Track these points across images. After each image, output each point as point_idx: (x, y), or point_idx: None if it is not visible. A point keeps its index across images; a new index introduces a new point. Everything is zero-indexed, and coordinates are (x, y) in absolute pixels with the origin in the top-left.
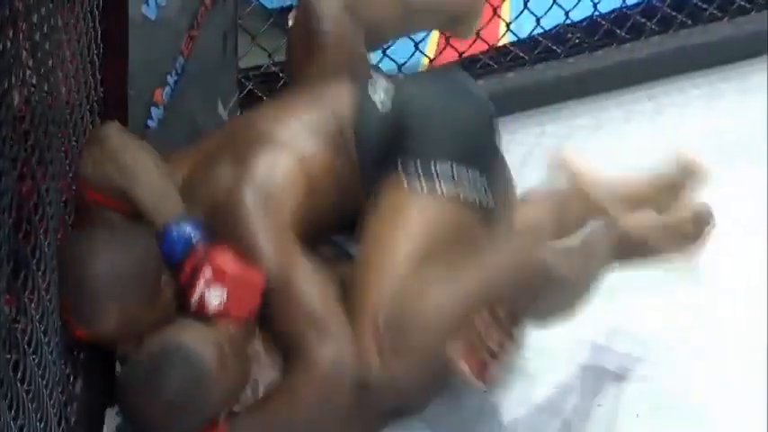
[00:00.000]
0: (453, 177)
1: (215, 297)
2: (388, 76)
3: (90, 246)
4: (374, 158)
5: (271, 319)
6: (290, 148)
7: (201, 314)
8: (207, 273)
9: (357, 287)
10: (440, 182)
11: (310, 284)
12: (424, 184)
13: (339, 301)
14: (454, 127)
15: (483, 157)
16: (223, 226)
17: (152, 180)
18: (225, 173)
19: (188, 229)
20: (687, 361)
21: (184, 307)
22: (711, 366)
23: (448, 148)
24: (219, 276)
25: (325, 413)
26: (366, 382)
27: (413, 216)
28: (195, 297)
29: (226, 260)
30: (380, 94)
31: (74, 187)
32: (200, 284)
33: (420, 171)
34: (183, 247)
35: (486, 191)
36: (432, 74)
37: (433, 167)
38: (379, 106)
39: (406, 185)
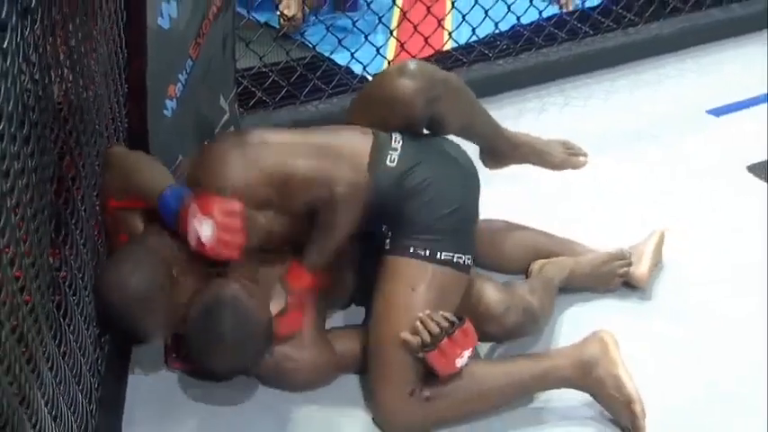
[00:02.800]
0: (453, 260)
1: (207, 228)
2: (402, 136)
3: (115, 285)
4: (381, 197)
5: (292, 198)
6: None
7: (202, 251)
8: (194, 210)
9: (384, 348)
10: (441, 257)
11: (283, 152)
12: (428, 261)
13: None
14: (453, 211)
15: (471, 234)
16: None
17: (149, 170)
18: None
19: (179, 191)
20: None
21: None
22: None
23: (449, 235)
24: (205, 210)
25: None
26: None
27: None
28: (191, 235)
29: (208, 198)
30: (394, 152)
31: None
32: (192, 222)
33: (426, 253)
34: (175, 203)
35: (470, 260)
36: (433, 141)
37: (439, 253)
38: (389, 161)
39: (412, 262)
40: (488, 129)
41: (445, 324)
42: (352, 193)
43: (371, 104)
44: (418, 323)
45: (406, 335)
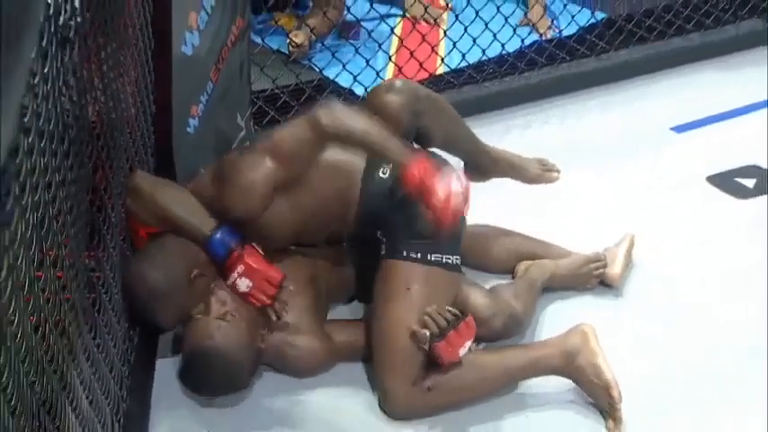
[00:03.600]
0: (443, 261)
1: (243, 285)
2: None
3: (138, 279)
4: (372, 205)
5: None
6: None
7: (235, 293)
8: (240, 268)
9: (387, 344)
10: (432, 259)
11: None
12: (421, 262)
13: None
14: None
15: (457, 237)
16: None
17: (186, 207)
18: None
19: (225, 236)
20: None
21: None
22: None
23: (436, 242)
24: (249, 272)
25: None
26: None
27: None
28: (230, 281)
29: (255, 261)
30: (386, 165)
31: (127, 224)
32: (234, 275)
33: (418, 256)
34: (224, 249)
35: (458, 260)
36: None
37: (429, 255)
38: (381, 173)
39: (406, 265)
40: (470, 143)
41: (451, 317)
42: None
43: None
44: (427, 317)
45: (416, 327)
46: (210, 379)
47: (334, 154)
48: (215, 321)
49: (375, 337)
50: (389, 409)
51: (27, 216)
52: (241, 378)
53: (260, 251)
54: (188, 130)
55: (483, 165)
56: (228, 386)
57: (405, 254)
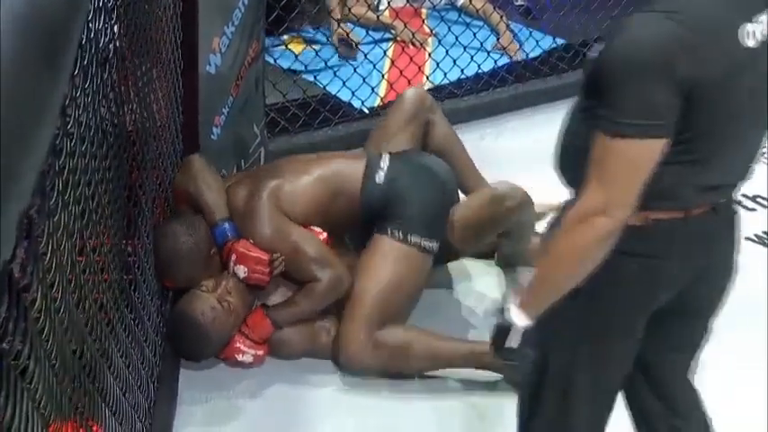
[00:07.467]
0: (420, 244)
1: (241, 272)
2: (390, 156)
3: (171, 236)
4: (370, 206)
5: (289, 267)
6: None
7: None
8: (233, 257)
9: (357, 297)
10: (411, 241)
11: (304, 239)
12: (401, 242)
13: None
14: (424, 208)
15: (441, 226)
16: (249, 215)
17: (213, 193)
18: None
19: (226, 228)
20: None
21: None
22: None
23: (419, 225)
24: (240, 259)
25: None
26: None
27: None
28: (230, 269)
29: (246, 249)
30: (381, 170)
31: (170, 191)
32: (231, 264)
33: (400, 236)
34: (222, 238)
35: (435, 246)
36: (414, 157)
37: (409, 236)
38: (377, 179)
39: (390, 241)
40: (462, 161)
41: None
42: (334, 287)
43: (390, 117)
44: None
45: None
46: (178, 340)
47: (332, 171)
48: (214, 302)
49: (352, 291)
50: (339, 351)
51: (69, 208)
52: (200, 355)
53: (249, 243)
54: (212, 137)
55: (465, 186)
56: (188, 354)
57: (389, 231)
